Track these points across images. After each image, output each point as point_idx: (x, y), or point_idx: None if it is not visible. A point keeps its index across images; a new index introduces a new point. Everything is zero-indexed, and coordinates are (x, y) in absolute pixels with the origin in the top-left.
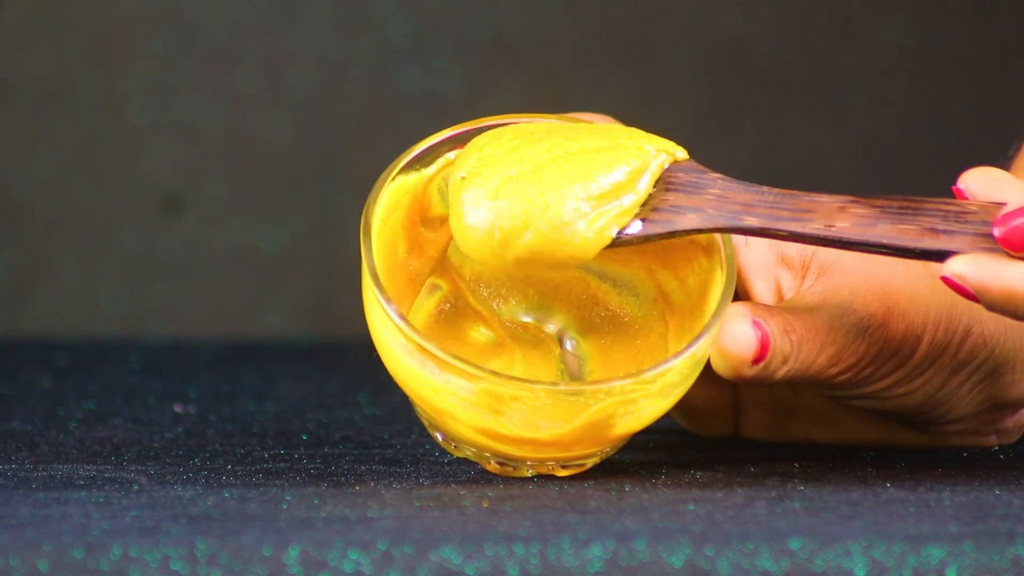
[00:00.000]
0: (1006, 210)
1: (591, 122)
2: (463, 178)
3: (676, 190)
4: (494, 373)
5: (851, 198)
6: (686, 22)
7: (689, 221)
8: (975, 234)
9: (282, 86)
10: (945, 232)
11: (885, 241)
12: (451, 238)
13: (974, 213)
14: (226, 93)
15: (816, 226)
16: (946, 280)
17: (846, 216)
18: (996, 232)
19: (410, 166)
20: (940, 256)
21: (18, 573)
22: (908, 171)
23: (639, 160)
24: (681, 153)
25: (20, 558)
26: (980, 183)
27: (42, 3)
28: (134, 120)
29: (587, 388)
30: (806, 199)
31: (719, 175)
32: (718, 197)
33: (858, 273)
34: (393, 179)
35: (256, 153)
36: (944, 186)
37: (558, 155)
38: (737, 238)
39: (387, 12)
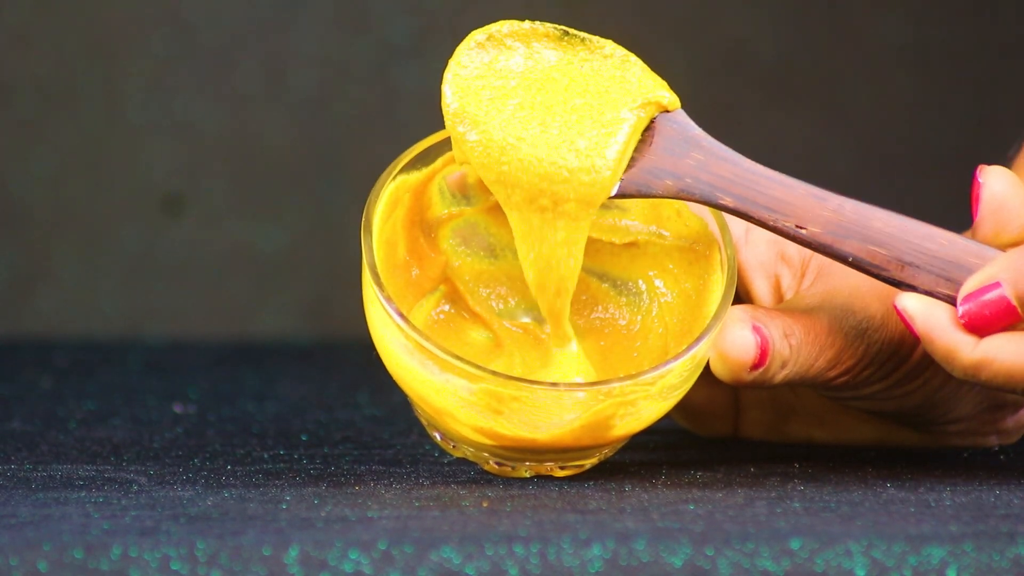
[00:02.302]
0: (975, 281)
1: (590, 44)
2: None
3: (659, 148)
4: (494, 373)
5: (830, 195)
6: (686, 22)
7: (666, 187)
8: (938, 275)
9: (282, 86)
10: (910, 265)
11: (850, 259)
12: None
13: (944, 249)
14: (226, 93)
15: (787, 223)
16: (895, 309)
17: (819, 219)
18: (960, 310)
19: (412, 165)
20: (900, 285)
21: (18, 573)
22: (908, 171)
23: (625, 122)
24: (670, 97)
25: (20, 558)
26: (1003, 186)
27: (42, 3)
28: (134, 120)
29: (587, 389)
30: (784, 187)
31: (704, 135)
32: (699, 164)
33: (857, 274)
34: (394, 177)
35: (256, 153)
36: (944, 186)
37: (548, 129)
38: (737, 238)
39: (387, 12)
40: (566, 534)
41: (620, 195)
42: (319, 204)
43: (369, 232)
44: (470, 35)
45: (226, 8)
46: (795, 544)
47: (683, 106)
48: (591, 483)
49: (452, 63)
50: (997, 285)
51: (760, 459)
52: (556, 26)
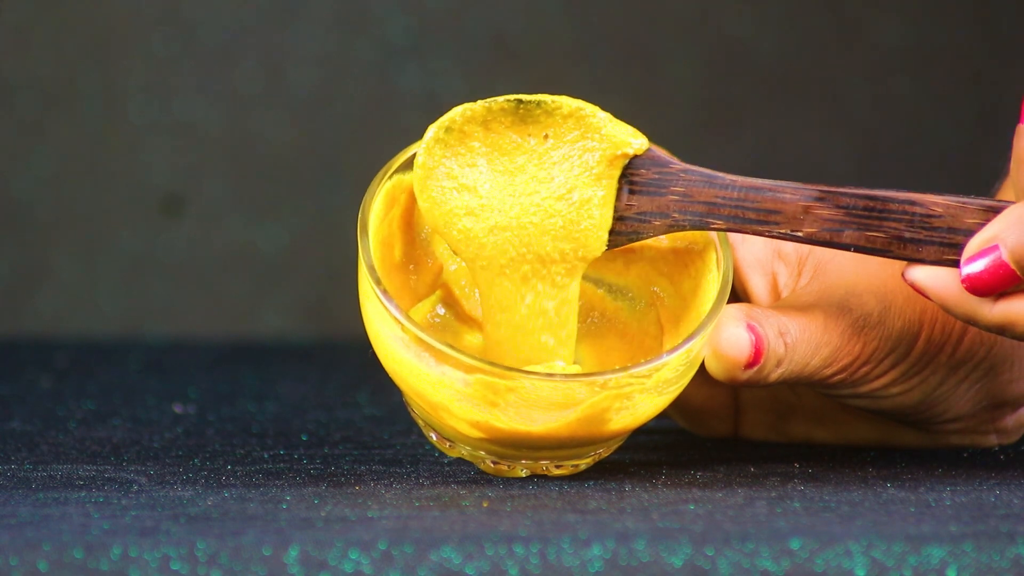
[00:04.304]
0: (974, 245)
1: (546, 106)
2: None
3: (639, 192)
4: (490, 363)
5: (817, 192)
6: (686, 22)
7: (655, 228)
8: (941, 243)
9: (282, 86)
10: (912, 241)
11: (852, 248)
12: (446, 259)
13: (939, 217)
14: (226, 93)
15: (782, 231)
16: (906, 281)
17: (811, 219)
18: (962, 275)
19: (407, 165)
20: (908, 261)
21: (18, 573)
22: (908, 171)
23: (597, 198)
24: (639, 142)
25: (20, 558)
26: None
27: (42, 3)
28: (134, 120)
29: (583, 380)
30: (771, 196)
31: (681, 166)
32: (682, 196)
33: (854, 271)
34: (390, 177)
35: (256, 153)
36: (944, 186)
37: (524, 220)
38: (733, 235)
39: (387, 12)
40: (566, 534)
41: (612, 247)
42: (319, 204)
43: (365, 230)
44: (430, 130)
45: (226, 8)
46: (795, 544)
47: (683, 106)
48: (591, 483)
49: (418, 168)
50: (995, 248)
51: (760, 459)
52: (508, 98)
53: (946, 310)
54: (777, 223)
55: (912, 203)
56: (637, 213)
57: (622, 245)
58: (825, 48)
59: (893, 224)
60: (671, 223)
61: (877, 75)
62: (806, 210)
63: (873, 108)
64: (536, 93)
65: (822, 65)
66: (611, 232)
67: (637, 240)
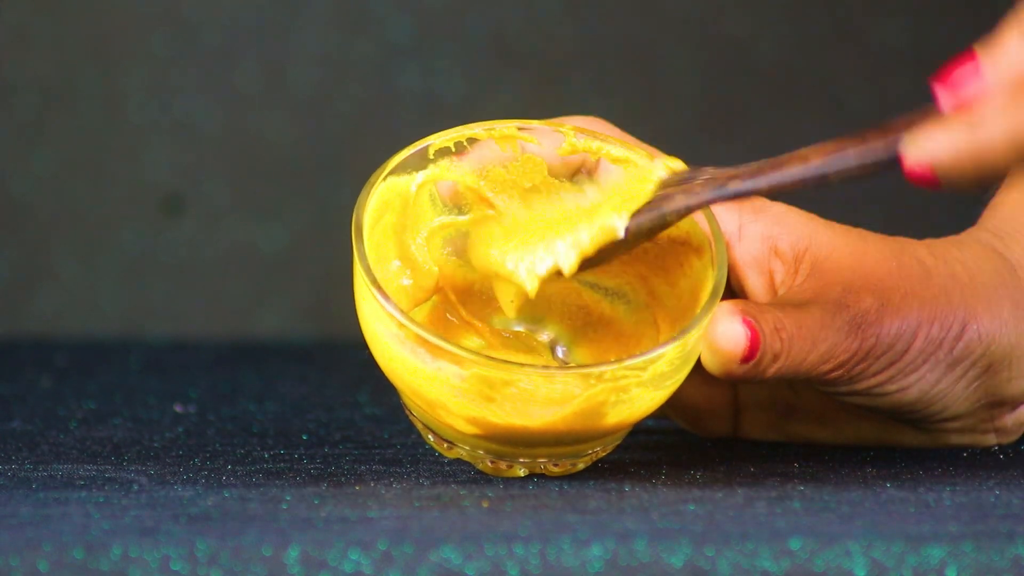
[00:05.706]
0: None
1: (583, 142)
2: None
3: (667, 187)
4: (486, 356)
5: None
6: (686, 22)
7: (676, 202)
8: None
9: (282, 86)
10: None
11: (854, 163)
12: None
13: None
14: (226, 93)
15: (794, 170)
16: (914, 174)
17: (817, 154)
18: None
19: (401, 169)
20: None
21: (18, 573)
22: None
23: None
24: (676, 164)
25: (20, 558)
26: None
27: (42, 3)
28: (134, 120)
29: (579, 372)
30: (786, 156)
31: (711, 167)
32: (706, 180)
33: (851, 268)
34: (384, 179)
35: (256, 153)
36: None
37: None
38: (730, 234)
39: (387, 12)
40: (566, 534)
41: (637, 226)
42: (319, 204)
43: (360, 232)
44: (435, 137)
45: (226, 8)
46: (795, 544)
47: (683, 106)
48: (591, 483)
49: (424, 174)
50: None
51: (760, 459)
52: (508, 125)
53: (954, 174)
54: (789, 168)
55: (900, 121)
56: (660, 196)
57: (646, 223)
58: (825, 48)
59: (891, 134)
60: (691, 196)
61: (877, 75)
62: (813, 150)
63: (873, 108)
64: (539, 97)
65: (822, 65)
66: (635, 215)
67: (661, 220)
